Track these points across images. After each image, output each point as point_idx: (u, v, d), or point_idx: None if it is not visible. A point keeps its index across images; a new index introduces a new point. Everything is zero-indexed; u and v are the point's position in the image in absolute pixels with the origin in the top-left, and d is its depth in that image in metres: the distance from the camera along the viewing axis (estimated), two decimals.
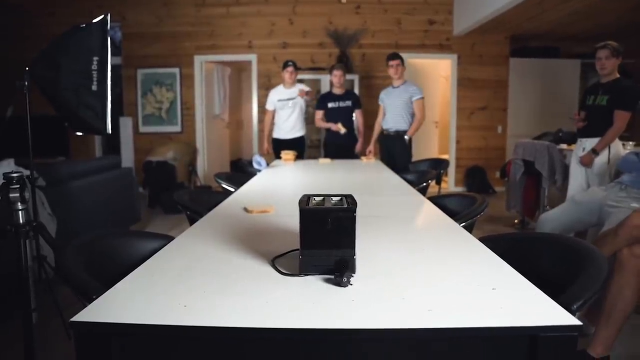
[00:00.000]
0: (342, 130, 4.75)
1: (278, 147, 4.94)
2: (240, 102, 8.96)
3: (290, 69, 4.84)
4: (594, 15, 5.64)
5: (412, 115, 4.60)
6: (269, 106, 5.05)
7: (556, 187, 4.31)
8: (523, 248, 1.47)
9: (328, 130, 4.99)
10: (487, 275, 1.16)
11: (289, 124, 5.00)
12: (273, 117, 5.08)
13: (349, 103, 4.92)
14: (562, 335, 0.88)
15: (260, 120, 7.01)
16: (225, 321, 0.90)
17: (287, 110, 4.97)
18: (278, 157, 4.43)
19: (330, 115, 4.93)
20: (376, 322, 0.91)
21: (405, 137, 4.58)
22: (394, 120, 4.62)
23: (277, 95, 5.00)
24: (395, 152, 4.61)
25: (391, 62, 4.56)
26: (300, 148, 4.92)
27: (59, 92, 2.29)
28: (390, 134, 4.66)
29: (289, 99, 4.93)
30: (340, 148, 4.87)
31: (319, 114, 5.00)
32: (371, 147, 4.76)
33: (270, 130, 5.14)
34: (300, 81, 5.40)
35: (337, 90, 4.94)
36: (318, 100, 5.17)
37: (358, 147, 4.98)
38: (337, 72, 4.84)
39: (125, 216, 4.43)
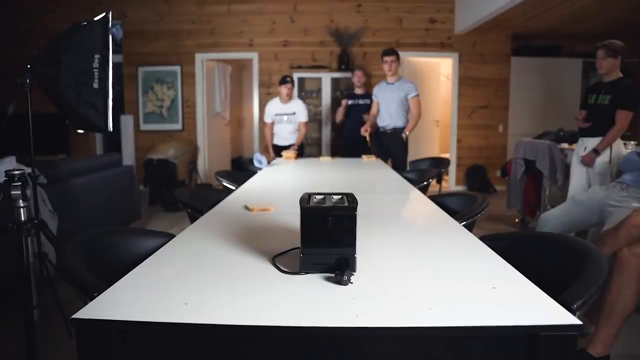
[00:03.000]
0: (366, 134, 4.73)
1: (278, 152, 5.01)
2: (241, 100, 8.96)
3: (288, 85, 4.96)
4: (595, 15, 5.63)
5: (407, 112, 4.59)
6: (267, 119, 5.17)
7: (557, 187, 4.31)
8: (523, 247, 1.47)
9: (345, 127, 5.31)
10: (488, 274, 1.16)
11: (286, 134, 5.13)
12: (272, 128, 5.20)
13: (367, 101, 5.16)
14: (562, 335, 0.88)
15: (261, 118, 7.02)
16: (226, 319, 0.90)
17: (284, 124, 5.10)
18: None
19: (350, 112, 5.24)
20: (376, 320, 0.91)
21: (403, 134, 4.55)
22: (391, 118, 4.60)
23: (274, 109, 5.10)
24: (393, 150, 4.60)
25: (386, 58, 4.51)
26: (299, 151, 5.00)
27: (60, 89, 2.29)
28: (387, 132, 4.63)
29: (284, 114, 5.06)
30: (357, 146, 4.79)
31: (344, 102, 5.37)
32: (365, 128, 4.57)
33: (271, 140, 5.27)
34: (302, 95, 5.70)
35: (357, 90, 5.28)
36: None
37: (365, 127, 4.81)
38: (358, 72, 5.27)
39: (125, 214, 4.43)
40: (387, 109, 4.59)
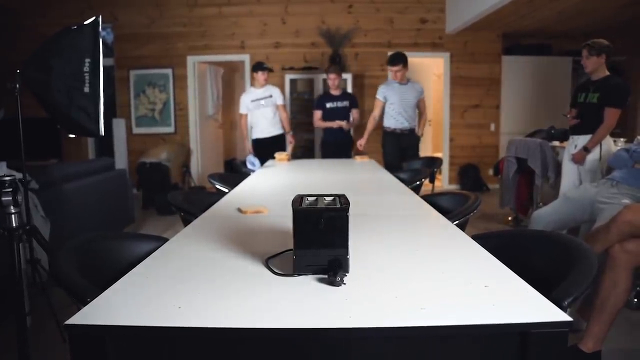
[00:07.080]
0: (345, 125, 4.85)
1: (259, 147, 4.95)
2: (233, 103, 8.93)
3: (265, 72, 4.90)
4: (584, 14, 5.69)
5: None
6: (243, 110, 5.07)
7: (549, 184, 4.34)
8: (515, 245, 1.48)
9: (325, 129, 5.05)
10: (480, 272, 1.17)
11: (265, 121, 5.00)
12: (247, 119, 5.13)
13: (346, 103, 4.99)
14: (553, 332, 0.89)
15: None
16: (220, 322, 0.91)
17: (261, 109, 4.99)
18: (261, 157, 4.34)
19: (329, 116, 4.98)
20: (369, 320, 0.91)
21: (418, 133, 4.70)
22: (411, 118, 4.61)
23: (250, 96, 5.01)
24: (411, 152, 4.63)
25: (392, 68, 4.46)
26: (281, 146, 4.95)
27: (50, 94, 2.27)
28: (405, 133, 4.62)
29: (261, 98, 4.97)
30: (339, 147, 4.88)
31: (318, 114, 5.03)
32: (363, 141, 4.61)
33: (248, 132, 5.19)
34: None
35: (334, 92, 5.01)
36: (316, 101, 5.21)
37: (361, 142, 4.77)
38: (332, 75, 4.89)
39: (119, 218, 4.41)
40: (405, 109, 4.57)
